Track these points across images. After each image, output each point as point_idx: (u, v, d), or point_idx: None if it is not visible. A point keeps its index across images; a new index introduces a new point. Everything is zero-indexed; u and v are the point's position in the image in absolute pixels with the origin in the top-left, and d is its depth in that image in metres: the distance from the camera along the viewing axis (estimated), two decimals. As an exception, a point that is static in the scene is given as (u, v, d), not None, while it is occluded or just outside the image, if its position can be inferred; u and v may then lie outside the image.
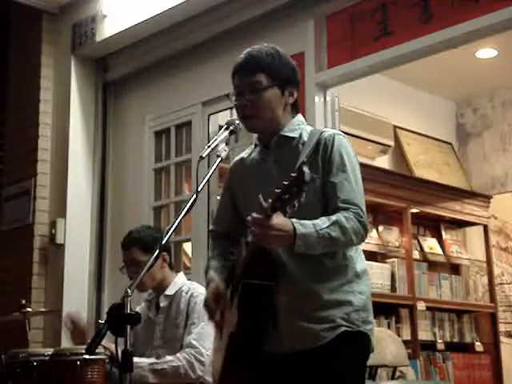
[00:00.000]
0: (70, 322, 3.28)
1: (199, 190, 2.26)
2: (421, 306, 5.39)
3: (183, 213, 2.24)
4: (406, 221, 5.52)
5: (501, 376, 5.84)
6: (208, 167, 2.37)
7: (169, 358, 3.23)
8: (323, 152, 2.32)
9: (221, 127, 2.46)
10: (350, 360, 2.27)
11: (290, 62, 2.44)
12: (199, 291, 3.34)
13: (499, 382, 5.84)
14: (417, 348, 5.31)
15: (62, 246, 5.20)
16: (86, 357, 2.95)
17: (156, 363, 3.22)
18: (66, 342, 4.60)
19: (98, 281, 5.26)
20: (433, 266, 5.86)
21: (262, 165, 2.43)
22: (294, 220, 2.15)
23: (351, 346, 2.27)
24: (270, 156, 2.42)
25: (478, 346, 5.88)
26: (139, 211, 5.11)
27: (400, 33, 3.95)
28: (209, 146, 2.33)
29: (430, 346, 5.56)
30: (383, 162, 5.89)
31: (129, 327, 2.04)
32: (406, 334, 5.29)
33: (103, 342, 2.56)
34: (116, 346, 2.06)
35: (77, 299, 5.10)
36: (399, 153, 6.04)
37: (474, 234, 6.27)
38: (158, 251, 2.19)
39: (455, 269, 6.11)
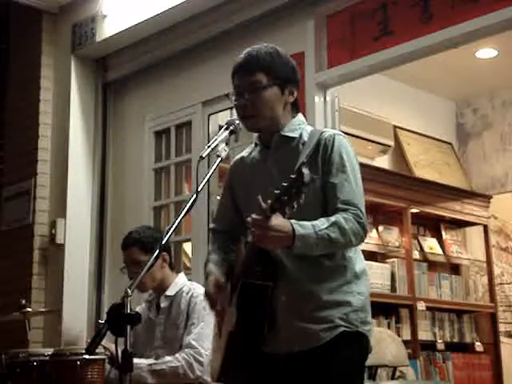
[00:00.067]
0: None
1: (199, 190, 2.27)
2: (421, 306, 5.39)
3: (183, 213, 2.24)
4: (406, 221, 5.52)
5: (501, 376, 5.84)
6: (208, 167, 2.37)
7: (167, 358, 3.23)
8: (323, 152, 2.32)
9: (221, 127, 2.46)
10: (348, 360, 2.27)
11: (289, 61, 2.44)
12: (199, 292, 3.34)
13: (499, 382, 5.83)
14: (417, 348, 5.31)
15: (61, 246, 5.20)
16: (86, 357, 2.96)
17: (155, 364, 3.23)
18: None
19: (98, 281, 5.26)
20: (433, 266, 5.86)
21: (262, 164, 2.43)
22: (292, 221, 2.15)
23: (350, 346, 2.27)
24: (270, 156, 2.42)
25: (478, 346, 5.88)
26: (139, 211, 5.11)
27: (400, 33, 3.95)
28: (209, 146, 2.33)
29: (430, 346, 5.56)
30: (383, 161, 5.89)
31: (129, 327, 2.04)
32: (406, 334, 5.29)
33: (103, 342, 2.56)
34: (116, 346, 2.06)
35: (77, 299, 5.10)
36: (399, 153, 6.04)
37: (474, 234, 6.27)
38: (158, 251, 2.19)
39: (455, 269, 6.11)
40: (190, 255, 4.92)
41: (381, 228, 5.51)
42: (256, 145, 2.50)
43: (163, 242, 2.22)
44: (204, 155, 2.27)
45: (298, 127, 2.42)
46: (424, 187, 5.69)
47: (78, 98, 5.40)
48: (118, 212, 5.34)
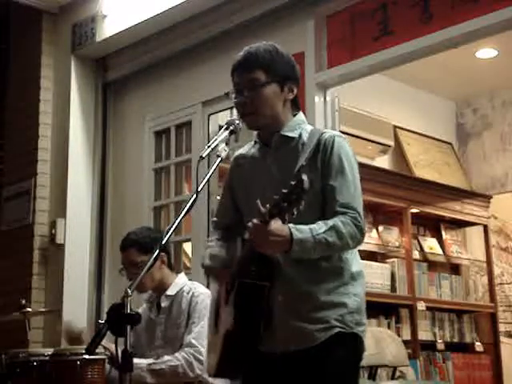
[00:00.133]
0: (65, 335, 3.29)
1: (199, 190, 2.27)
2: (421, 306, 5.39)
3: (183, 213, 2.24)
4: (406, 221, 5.52)
5: (501, 376, 5.84)
6: (208, 167, 2.37)
7: (167, 357, 3.23)
8: (322, 154, 2.33)
9: (221, 127, 2.46)
10: (343, 360, 2.28)
11: (288, 59, 2.44)
12: (200, 291, 3.35)
13: (499, 382, 5.84)
14: (417, 348, 5.31)
15: (61, 246, 5.20)
16: (86, 357, 2.96)
17: (154, 363, 3.23)
18: (66, 342, 4.61)
19: (98, 281, 5.26)
20: (433, 266, 5.86)
21: (262, 162, 2.44)
22: (290, 225, 2.16)
23: (344, 346, 2.28)
24: (269, 154, 2.42)
25: (478, 346, 5.89)
26: (139, 211, 5.11)
27: (400, 33, 3.95)
28: (209, 146, 2.33)
29: (430, 346, 5.56)
30: (383, 161, 5.89)
31: (129, 327, 2.04)
32: (406, 334, 5.29)
33: (103, 342, 2.56)
34: (116, 346, 2.06)
35: (77, 299, 5.11)
36: (399, 153, 6.04)
37: (474, 234, 6.27)
38: (157, 252, 2.19)
39: (455, 269, 6.11)
40: (190, 255, 4.92)
41: (381, 228, 5.51)
42: (255, 142, 2.51)
43: (163, 242, 2.22)
44: (204, 155, 2.27)
45: (298, 127, 2.42)
46: (424, 187, 5.69)
47: (78, 98, 5.40)
48: (118, 212, 5.34)
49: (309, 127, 2.45)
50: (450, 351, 5.67)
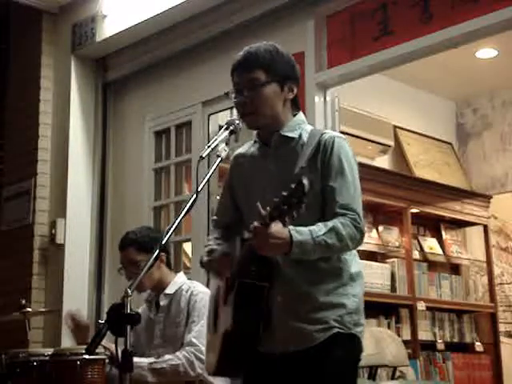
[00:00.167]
0: (70, 319, 3.29)
1: (199, 190, 2.27)
2: (421, 306, 5.39)
3: (183, 213, 2.24)
4: (406, 221, 5.52)
5: (501, 376, 5.84)
6: (208, 167, 2.38)
7: (168, 356, 3.23)
8: (322, 155, 2.33)
9: (221, 127, 2.46)
10: (341, 360, 2.29)
11: (288, 58, 2.45)
12: (199, 289, 3.36)
13: (499, 382, 5.84)
14: (417, 348, 5.31)
15: (61, 246, 5.20)
16: (86, 357, 2.96)
17: (155, 362, 3.23)
18: (66, 342, 4.61)
19: (98, 281, 5.26)
20: (433, 266, 5.86)
21: (262, 161, 2.44)
22: (290, 227, 2.17)
23: (343, 347, 2.29)
24: (269, 154, 2.43)
25: (478, 346, 5.89)
26: (139, 211, 5.11)
27: (400, 33, 3.95)
28: (209, 146, 2.33)
29: (430, 346, 5.56)
30: (383, 161, 5.89)
31: (129, 327, 2.04)
32: (406, 334, 5.29)
33: (103, 342, 2.56)
34: (116, 346, 2.06)
35: (77, 299, 5.10)
36: (399, 153, 6.04)
37: (474, 234, 6.27)
38: (157, 251, 2.19)
39: (455, 269, 6.11)
40: (190, 255, 4.92)
41: (381, 228, 5.51)
42: (255, 142, 2.51)
43: (163, 242, 2.22)
44: (204, 155, 2.27)
45: (298, 127, 2.42)
46: (424, 187, 5.69)
47: (78, 98, 5.40)
48: (117, 212, 5.34)
49: (309, 127, 2.45)
50: (450, 351, 5.67)
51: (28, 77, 5.63)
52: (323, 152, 2.33)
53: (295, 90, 2.43)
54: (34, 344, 4.71)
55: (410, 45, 3.90)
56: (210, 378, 3.16)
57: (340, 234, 2.23)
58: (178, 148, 5.09)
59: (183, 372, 3.20)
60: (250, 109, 2.37)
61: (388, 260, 5.46)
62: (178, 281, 3.44)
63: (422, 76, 5.83)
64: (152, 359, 3.25)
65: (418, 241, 5.85)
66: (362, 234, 2.29)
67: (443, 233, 6.06)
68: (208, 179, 2.32)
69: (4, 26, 5.96)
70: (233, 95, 2.41)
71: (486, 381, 5.82)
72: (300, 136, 2.39)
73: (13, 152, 5.71)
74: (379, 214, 5.52)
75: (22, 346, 3.54)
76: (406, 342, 5.06)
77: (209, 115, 4.89)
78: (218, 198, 4.12)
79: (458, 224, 6.14)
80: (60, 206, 5.28)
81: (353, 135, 5.24)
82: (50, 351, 3.10)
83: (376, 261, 5.38)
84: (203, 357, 3.17)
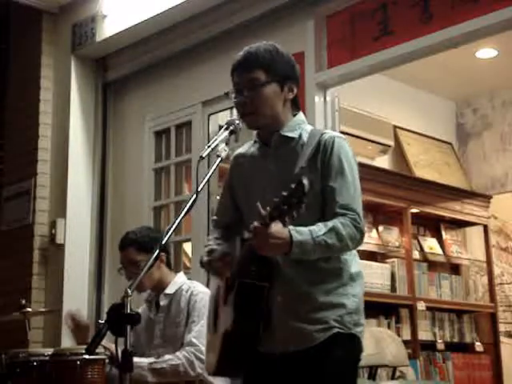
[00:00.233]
0: (70, 319, 3.29)
1: (199, 190, 2.27)
2: (421, 306, 5.39)
3: (183, 213, 2.24)
4: (406, 221, 5.52)
5: (501, 376, 5.84)
6: (208, 167, 2.38)
7: (168, 356, 3.24)
8: (322, 155, 2.33)
9: (221, 127, 2.46)
10: (341, 360, 2.29)
11: (288, 58, 2.45)
12: (199, 289, 3.36)
13: (499, 382, 5.84)
14: (417, 348, 5.31)
15: (61, 246, 5.20)
16: (86, 357, 2.96)
17: (155, 362, 3.23)
18: (66, 342, 4.61)
19: (98, 281, 5.26)
20: (433, 266, 5.86)
21: (262, 161, 2.44)
22: (290, 227, 2.17)
23: (342, 347, 2.29)
24: (269, 154, 2.43)
25: (478, 346, 5.89)
26: (139, 211, 5.11)
27: (400, 33, 3.95)
28: (209, 146, 2.33)
29: (430, 346, 5.56)
30: (383, 161, 5.89)
31: (129, 327, 2.04)
32: (406, 334, 5.29)
33: (103, 342, 2.56)
34: (116, 346, 2.06)
35: (77, 299, 5.10)
36: (399, 153, 6.04)
37: (474, 234, 6.27)
38: (157, 251, 2.19)
39: (455, 269, 6.11)
40: (190, 255, 4.92)
41: (381, 228, 5.51)
42: (255, 141, 2.51)
43: (163, 242, 2.22)
44: (204, 155, 2.28)
45: (298, 127, 2.42)
46: (424, 187, 5.69)
47: (78, 98, 5.40)
48: (117, 212, 5.34)
49: (309, 127, 2.45)
50: (450, 351, 5.67)
51: (28, 77, 5.63)
52: (323, 152, 2.33)
53: (295, 90, 2.43)
54: (34, 344, 4.71)
55: (410, 45, 3.90)
56: (210, 378, 3.16)
57: (340, 234, 2.23)
58: (178, 148, 5.09)
59: (183, 372, 3.20)
60: (250, 109, 2.37)
61: (388, 260, 5.46)
62: (178, 281, 3.44)
63: (422, 76, 5.83)
64: (152, 359, 3.25)
65: (418, 241, 5.85)
66: (362, 234, 2.29)
67: (443, 233, 6.06)
68: (208, 179, 2.32)
69: (4, 26, 5.96)
70: (233, 95, 2.41)
71: (485, 381, 5.82)
72: (300, 136, 2.40)
73: (13, 152, 5.71)
74: (379, 214, 5.52)
75: (22, 346, 3.54)
76: (406, 342, 5.06)
77: (209, 115, 4.89)
78: (218, 198, 4.12)
79: (458, 224, 6.14)
80: (60, 206, 5.28)
81: (353, 135, 5.24)
82: (50, 351, 3.10)
83: (376, 261, 5.38)
84: (203, 357, 3.17)
